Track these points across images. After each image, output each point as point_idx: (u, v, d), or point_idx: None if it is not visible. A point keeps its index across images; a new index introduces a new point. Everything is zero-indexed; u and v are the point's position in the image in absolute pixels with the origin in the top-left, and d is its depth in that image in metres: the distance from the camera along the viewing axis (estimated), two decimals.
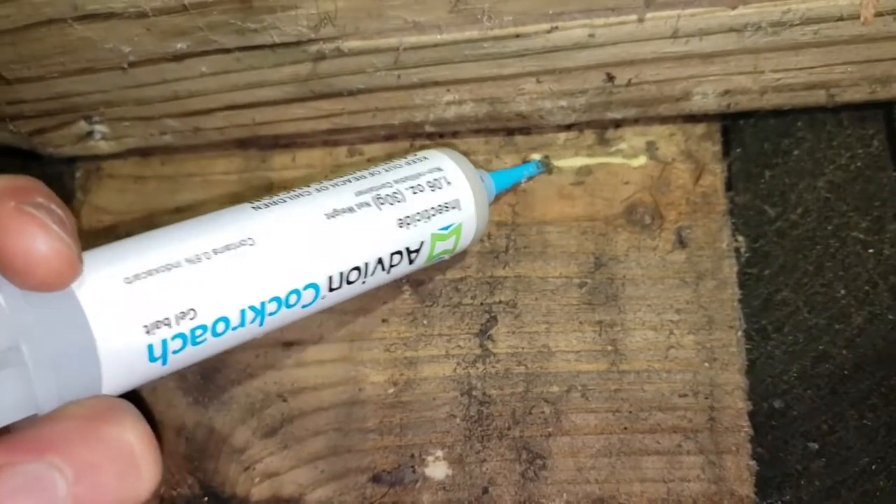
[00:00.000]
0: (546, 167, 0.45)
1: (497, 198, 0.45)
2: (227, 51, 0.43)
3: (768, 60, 0.42)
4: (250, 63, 0.44)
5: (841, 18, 0.39)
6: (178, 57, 0.44)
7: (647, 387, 0.40)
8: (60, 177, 0.54)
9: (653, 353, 0.41)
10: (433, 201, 0.37)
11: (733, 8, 0.39)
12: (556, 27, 0.41)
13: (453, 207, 0.38)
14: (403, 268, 0.37)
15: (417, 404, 0.42)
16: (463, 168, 0.39)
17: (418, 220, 0.37)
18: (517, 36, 0.41)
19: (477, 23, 0.41)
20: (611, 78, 0.44)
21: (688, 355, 0.41)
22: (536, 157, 0.47)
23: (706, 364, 0.40)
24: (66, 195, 0.53)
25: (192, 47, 0.43)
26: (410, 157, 0.40)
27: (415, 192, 0.37)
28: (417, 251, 0.37)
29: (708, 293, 0.42)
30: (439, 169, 0.39)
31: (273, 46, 0.43)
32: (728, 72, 0.43)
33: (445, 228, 0.38)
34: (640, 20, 0.40)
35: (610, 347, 0.41)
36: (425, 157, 0.40)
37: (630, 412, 0.40)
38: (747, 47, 0.41)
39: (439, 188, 0.38)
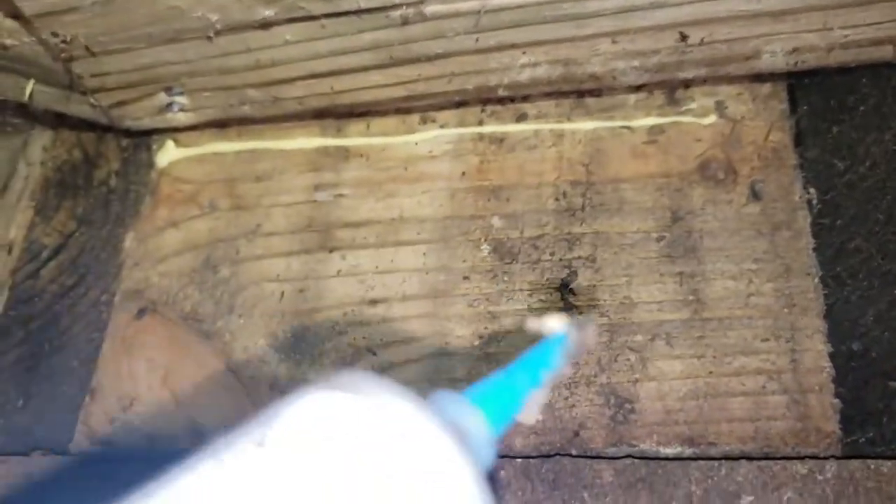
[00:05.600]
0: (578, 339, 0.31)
1: (568, 158, 0.46)
2: (313, 17, 0.45)
3: (837, 17, 0.43)
4: (335, 30, 0.45)
5: None
6: (265, 24, 0.45)
7: (730, 333, 0.41)
8: (137, 148, 0.55)
9: (734, 301, 0.42)
10: None
11: None
12: None
13: None
14: None
15: (503, 356, 0.43)
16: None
17: None
18: None
19: None
20: (684, 37, 0.45)
21: (767, 302, 0.42)
22: (556, 326, 0.31)
23: (785, 310, 0.42)
24: (142, 167, 0.55)
25: (280, 14, 0.44)
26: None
27: None
28: None
29: (784, 243, 0.43)
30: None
31: (358, 12, 0.44)
32: (797, 29, 0.44)
33: None
34: None
35: (692, 297, 0.43)
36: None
37: (714, 357, 0.41)
38: (817, 4, 0.42)
39: None
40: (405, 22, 0.44)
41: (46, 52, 0.48)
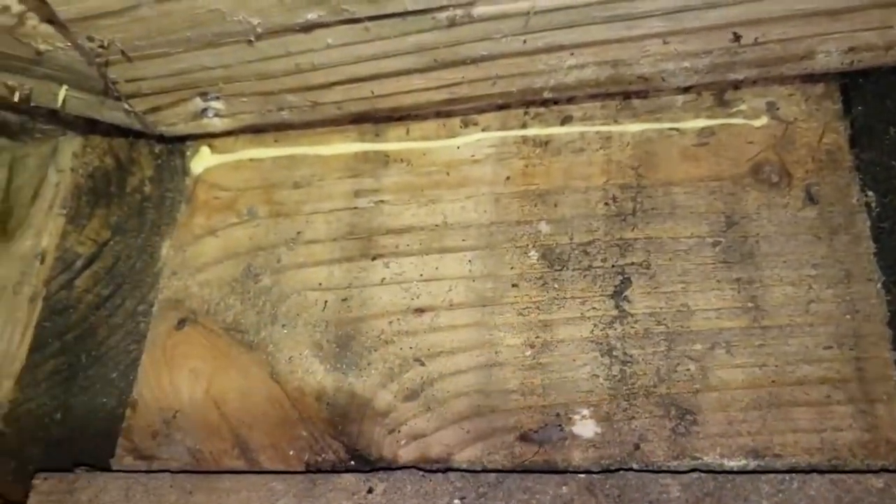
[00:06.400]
0: None
1: (616, 161, 0.45)
2: (357, 20, 0.43)
3: None
4: (378, 32, 0.44)
5: None
6: (307, 28, 0.44)
7: (792, 341, 0.40)
8: (170, 155, 0.54)
9: (794, 308, 0.41)
10: None
11: None
12: None
13: None
14: None
15: (557, 365, 0.42)
16: None
17: None
18: None
19: None
20: (737, 38, 0.44)
21: (828, 309, 0.41)
22: None
23: (848, 316, 0.41)
24: (177, 173, 0.54)
25: (323, 17, 0.43)
26: None
27: None
28: None
29: (843, 248, 0.42)
30: None
31: (404, 14, 0.43)
32: (855, 28, 0.43)
33: None
34: None
35: (750, 304, 0.42)
36: None
37: (776, 366, 0.40)
38: (877, 2, 0.41)
39: None
40: (452, 24, 0.43)
41: (81, 57, 0.47)
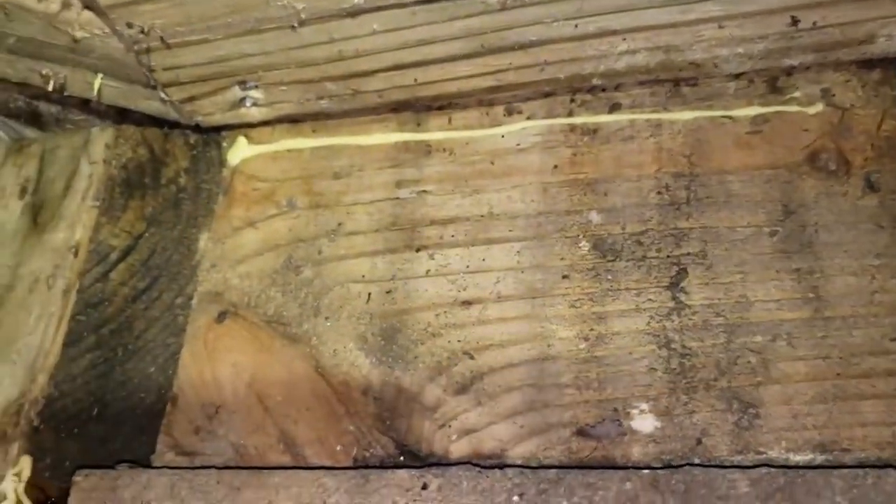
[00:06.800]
0: None
1: (668, 149, 0.44)
2: (404, 5, 0.42)
3: None
4: (426, 17, 0.43)
5: None
6: (353, 13, 0.43)
7: (856, 332, 0.39)
8: (206, 146, 0.53)
9: (857, 299, 0.40)
10: None
11: None
12: None
13: None
14: None
15: (613, 358, 0.41)
16: None
17: None
18: None
19: None
20: (795, 21, 0.43)
21: (893, 299, 0.40)
22: None
23: None
24: (213, 164, 0.52)
25: (369, 2, 0.42)
26: None
27: None
28: None
29: None
30: None
31: None
32: None
33: None
34: None
35: (811, 295, 0.40)
36: None
37: (841, 358, 0.39)
38: None
39: None
40: (503, 7, 0.42)
41: (119, 45, 0.46)
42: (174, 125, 0.54)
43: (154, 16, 0.44)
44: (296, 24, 0.44)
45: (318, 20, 0.44)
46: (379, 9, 0.43)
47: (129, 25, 0.45)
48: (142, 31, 0.44)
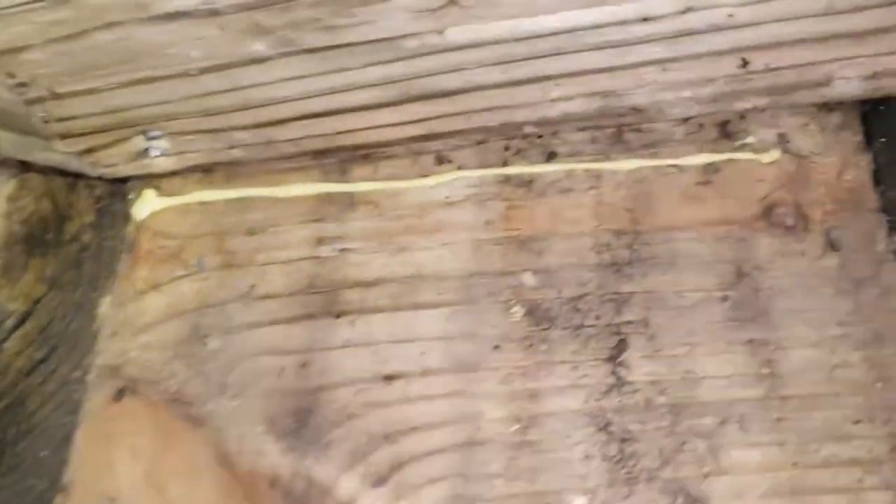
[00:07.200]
0: None
1: (609, 203, 0.40)
2: (313, 51, 0.38)
3: None
4: (337, 63, 0.39)
5: None
6: (255, 60, 0.39)
7: (815, 414, 0.35)
8: (112, 198, 0.49)
9: (816, 375, 0.36)
10: None
11: None
12: (691, 7, 0.36)
13: None
14: None
15: (547, 443, 0.37)
16: None
17: None
18: (645, 20, 0.36)
19: (600, 5, 0.36)
20: (745, 63, 0.39)
21: (856, 375, 0.36)
22: None
23: (878, 384, 0.36)
24: (118, 219, 0.48)
25: (273, 48, 0.38)
26: None
27: None
28: None
29: (871, 303, 0.37)
30: None
31: (366, 43, 0.37)
32: (879, 51, 0.38)
33: None
34: None
35: (766, 370, 0.36)
36: None
37: (798, 444, 0.35)
38: None
39: None
40: (420, 53, 0.38)
41: (8, 95, 0.41)
42: (80, 175, 0.49)
43: (37, 65, 0.40)
44: (194, 73, 0.39)
45: (217, 68, 0.39)
46: (285, 55, 0.38)
47: (10, 75, 0.40)
48: (22, 84, 0.40)
